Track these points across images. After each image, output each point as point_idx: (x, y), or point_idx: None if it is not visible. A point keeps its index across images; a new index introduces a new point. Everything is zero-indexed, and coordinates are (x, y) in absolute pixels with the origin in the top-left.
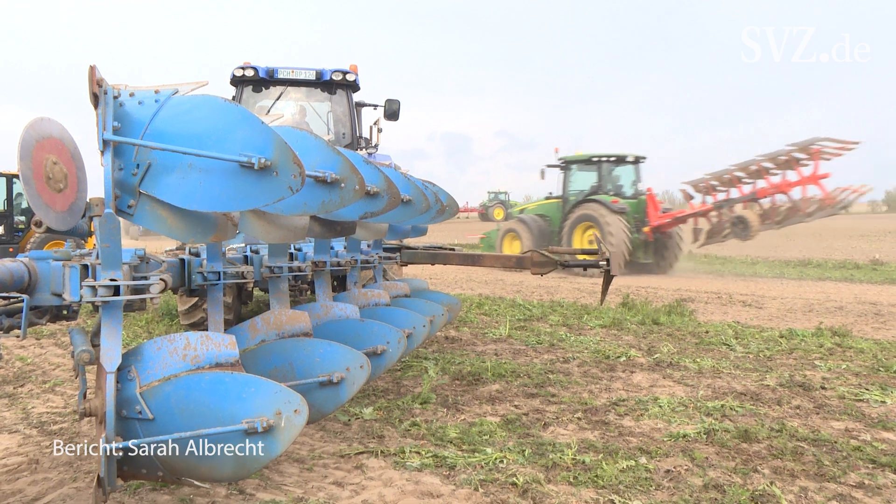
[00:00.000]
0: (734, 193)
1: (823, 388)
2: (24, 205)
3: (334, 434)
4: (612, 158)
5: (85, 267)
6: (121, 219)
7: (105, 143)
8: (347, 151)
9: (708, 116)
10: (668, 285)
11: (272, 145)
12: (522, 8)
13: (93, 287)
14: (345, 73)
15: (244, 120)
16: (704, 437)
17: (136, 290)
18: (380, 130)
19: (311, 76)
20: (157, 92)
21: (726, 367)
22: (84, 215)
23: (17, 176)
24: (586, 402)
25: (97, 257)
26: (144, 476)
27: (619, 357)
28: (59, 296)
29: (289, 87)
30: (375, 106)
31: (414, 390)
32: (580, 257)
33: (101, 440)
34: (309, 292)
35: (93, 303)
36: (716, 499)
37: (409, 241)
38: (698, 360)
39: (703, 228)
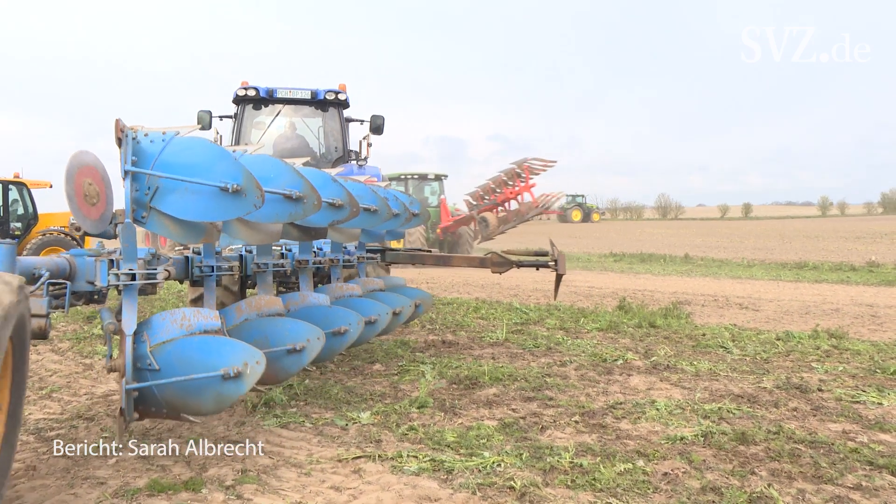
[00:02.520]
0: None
1: (820, 390)
2: (20, 211)
3: (332, 439)
4: (416, 176)
5: (111, 261)
6: (136, 225)
7: (126, 172)
8: (314, 172)
9: (704, 121)
10: (665, 288)
11: (241, 175)
12: (515, 13)
13: (117, 275)
14: (336, 92)
15: (222, 156)
16: (702, 439)
17: (148, 278)
18: (369, 145)
19: (307, 95)
20: (163, 133)
21: (723, 370)
22: (111, 222)
23: (12, 182)
24: (583, 406)
25: (120, 254)
26: (153, 413)
27: (616, 360)
28: (92, 283)
29: (287, 105)
30: (362, 121)
31: (411, 394)
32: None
33: (122, 384)
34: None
35: (116, 287)
36: (713, 501)
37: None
38: (695, 362)
39: (478, 229)
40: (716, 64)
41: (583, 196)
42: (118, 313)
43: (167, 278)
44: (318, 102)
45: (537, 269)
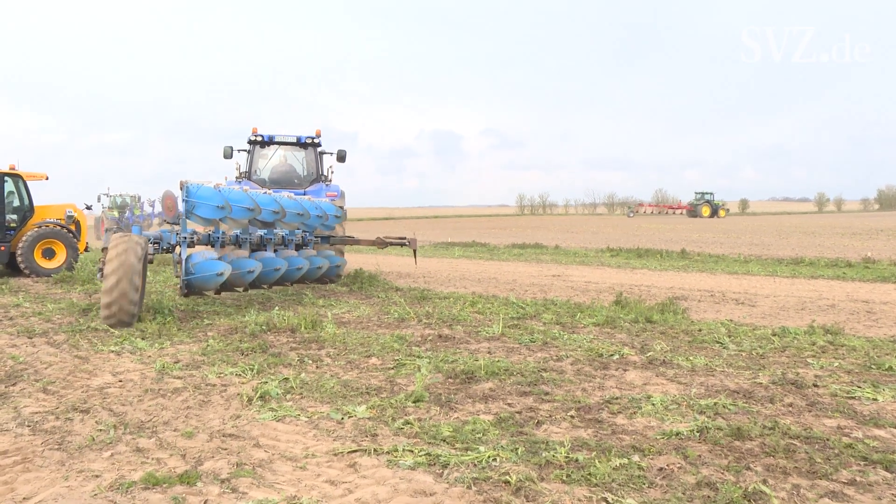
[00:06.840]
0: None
1: (816, 385)
2: (16, 203)
3: (327, 432)
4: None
5: (176, 233)
6: (186, 219)
7: (183, 200)
8: (263, 196)
9: (699, 116)
10: (662, 283)
11: (223, 201)
12: (507, 8)
13: (178, 237)
14: (313, 137)
15: (217, 194)
16: (697, 434)
17: (190, 240)
18: (332, 171)
19: (294, 139)
20: (197, 182)
21: (719, 365)
22: (178, 218)
23: (8, 174)
24: (579, 401)
25: (181, 229)
26: (191, 292)
27: (612, 355)
28: (169, 242)
29: (281, 145)
30: (331, 153)
31: (407, 389)
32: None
33: (181, 277)
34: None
35: (178, 243)
36: (708, 496)
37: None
38: (691, 358)
39: None
40: (711, 59)
41: (711, 193)
42: (179, 253)
43: (198, 242)
44: (301, 144)
45: (401, 247)
